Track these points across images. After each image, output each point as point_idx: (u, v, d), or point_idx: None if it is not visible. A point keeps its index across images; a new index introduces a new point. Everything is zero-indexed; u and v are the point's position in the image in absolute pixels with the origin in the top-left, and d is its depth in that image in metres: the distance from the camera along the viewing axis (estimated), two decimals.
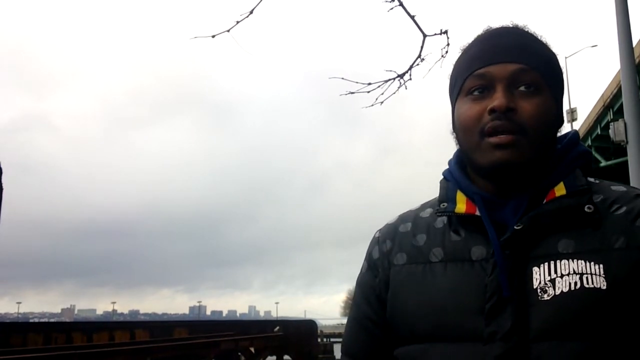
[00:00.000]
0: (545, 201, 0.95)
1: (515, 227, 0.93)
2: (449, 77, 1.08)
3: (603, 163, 20.56)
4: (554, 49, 1.04)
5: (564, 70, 1.05)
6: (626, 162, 7.94)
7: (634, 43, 8.60)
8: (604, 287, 0.86)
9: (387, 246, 1.07)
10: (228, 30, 2.92)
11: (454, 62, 1.08)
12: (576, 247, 0.90)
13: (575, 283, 0.87)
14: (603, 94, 19.66)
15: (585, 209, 0.92)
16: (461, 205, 1.00)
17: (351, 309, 1.12)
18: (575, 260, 0.89)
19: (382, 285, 1.05)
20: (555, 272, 0.89)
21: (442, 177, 1.09)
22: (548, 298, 0.87)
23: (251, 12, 2.92)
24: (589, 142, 21.77)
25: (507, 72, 0.96)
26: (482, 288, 0.92)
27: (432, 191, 1.12)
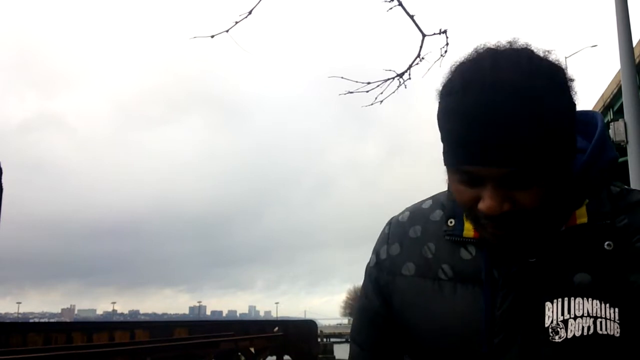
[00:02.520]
0: (564, 227, 0.89)
1: (529, 260, 0.89)
2: (437, 119, 0.87)
3: None
4: (558, 90, 0.82)
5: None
6: (626, 162, 7.94)
7: (634, 43, 8.60)
8: (617, 335, 0.83)
9: (396, 250, 1.04)
10: (227, 31, 2.92)
11: (438, 109, 0.86)
12: (592, 282, 0.85)
13: (589, 327, 0.83)
14: (603, 94, 19.66)
15: (605, 246, 0.86)
16: (469, 225, 0.94)
17: (360, 297, 1.10)
18: (590, 300, 0.85)
19: (390, 287, 1.03)
20: (569, 311, 0.85)
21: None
22: (559, 340, 0.84)
23: (250, 13, 2.92)
24: None
25: (497, 175, 0.81)
26: (491, 319, 0.89)
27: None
